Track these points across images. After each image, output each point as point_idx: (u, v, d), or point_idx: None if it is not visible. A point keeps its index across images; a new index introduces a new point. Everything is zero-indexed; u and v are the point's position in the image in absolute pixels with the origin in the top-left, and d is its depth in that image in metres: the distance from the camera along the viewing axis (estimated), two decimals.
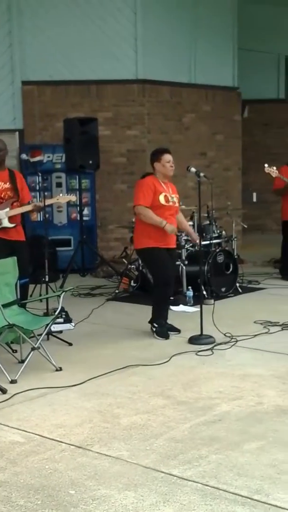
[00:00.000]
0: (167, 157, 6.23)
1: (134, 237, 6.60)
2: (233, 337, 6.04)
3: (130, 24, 10.22)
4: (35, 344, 5.21)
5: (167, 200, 6.15)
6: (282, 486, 3.30)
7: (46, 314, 6.16)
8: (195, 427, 4.10)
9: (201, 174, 6.25)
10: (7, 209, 6.22)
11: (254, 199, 13.22)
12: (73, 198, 6.87)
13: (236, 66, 11.61)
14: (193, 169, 6.35)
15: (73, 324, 6.55)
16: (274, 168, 8.50)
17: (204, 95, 11.13)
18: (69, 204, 9.35)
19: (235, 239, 8.49)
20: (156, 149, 6.50)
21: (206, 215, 8.17)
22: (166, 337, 6.13)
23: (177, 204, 6.33)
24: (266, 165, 8.47)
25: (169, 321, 6.43)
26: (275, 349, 5.71)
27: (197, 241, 6.75)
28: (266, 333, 6.25)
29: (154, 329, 6.22)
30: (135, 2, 10.15)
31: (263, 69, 13.76)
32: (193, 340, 5.98)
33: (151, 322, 6.28)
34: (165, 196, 6.16)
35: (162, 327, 6.21)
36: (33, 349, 5.20)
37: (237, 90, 11.66)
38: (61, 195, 6.96)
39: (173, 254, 6.44)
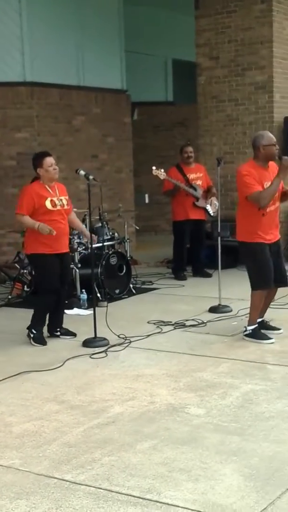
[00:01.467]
0: (49, 160, 6.13)
1: (24, 242, 6.52)
2: (127, 338, 6.08)
3: (15, 25, 10.06)
4: None
5: (54, 205, 6.10)
6: (173, 484, 3.36)
7: None
8: (88, 430, 4.10)
9: (90, 177, 6.24)
10: None
11: (147, 201, 13.36)
12: None
13: (124, 69, 11.69)
14: (82, 172, 6.33)
15: None
16: (162, 170, 8.63)
17: (93, 97, 11.13)
18: None
19: (128, 240, 8.55)
20: (36, 154, 6.36)
21: (98, 217, 8.19)
22: (43, 343, 6.09)
23: (66, 206, 6.28)
24: (153, 167, 8.60)
25: (64, 325, 6.40)
26: (168, 348, 5.80)
27: (94, 239, 6.76)
28: (159, 333, 6.33)
29: (31, 335, 6.16)
30: (19, 3, 10.00)
31: (151, 72, 13.93)
32: (87, 343, 5.98)
33: (29, 328, 6.21)
34: (51, 200, 6.10)
35: (39, 334, 6.16)
36: None
37: (126, 92, 11.74)
38: None
39: (65, 258, 6.38)
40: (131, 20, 12.11)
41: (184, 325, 6.54)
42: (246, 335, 5.94)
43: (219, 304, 7.06)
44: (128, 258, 8.27)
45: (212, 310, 7.03)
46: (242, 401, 4.46)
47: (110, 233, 8.30)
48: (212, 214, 9.02)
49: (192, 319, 6.70)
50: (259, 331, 5.93)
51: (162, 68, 14.30)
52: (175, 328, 6.46)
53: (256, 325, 5.94)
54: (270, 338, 5.85)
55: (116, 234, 8.42)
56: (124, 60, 11.68)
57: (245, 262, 6.13)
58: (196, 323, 6.59)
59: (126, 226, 8.58)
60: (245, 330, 5.98)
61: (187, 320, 6.67)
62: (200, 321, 6.62)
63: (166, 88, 14.44)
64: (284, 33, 9.80)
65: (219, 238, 7.24)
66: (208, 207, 9.03)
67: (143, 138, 13.69)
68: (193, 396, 4.61)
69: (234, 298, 7.32)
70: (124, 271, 8.12)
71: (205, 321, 6.61)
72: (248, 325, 5.97)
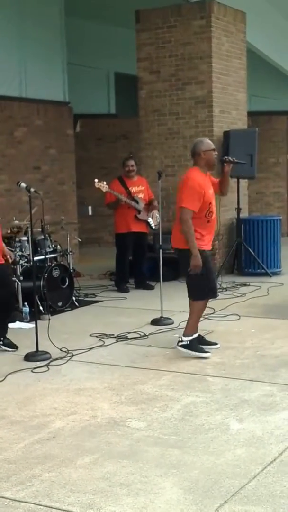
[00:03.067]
0: None
1: None
2: (69, 351, 6.08)
3: None
4: None
5: None
6: (113, 498, 3.38)
7: None
8: (29, 446, 4.08)
9: (32, 190, 6.23)
10: None
11: (90, 213, 13.39)
12: None
13: (67, 81, 11.71)
14: (23, 185, 6.32)
15: None
16: (104, 183, 8.68)
17: (35, 109, 11.11)
18: None
19: (71, 253, 8.55)
20: None
21: (40, 229, 8.16)
22: None
23: None
24: (96, 180, 8.64)
25: None
26: (110, 362, 5.82)
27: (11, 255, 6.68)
28: (101, 345, 6.35)
29: None
30: None
31: (94, 84, 13.99)
32: (29, 357, 5.95)
33: None
34: None
35: None
36: None
37: (69, 105, 11.77)
38: None
39: (3, 269, 6.32)
40: (73, 32, 12.18)
41: (126, 338, 6.57)
42: (182, 346, 5.83)
43: (161, 317, 7.12)
44: (71, 271, 8.26)
45: (154, 322, 7.09)
46: (183, 414, 4.52)
47: (53, 246, 8.28)
48: (153, 227, 9.10)
49: (134, 332, 6.74)
50: (196, 343, 5.86)
51: (104, 80, 14.39)
52: (117, 341, 6.48)
53: (194, 336, 5.87)
54: (207, 352, 5.80)
55: (58, 246, 8.40)
56: (67, 72, 11.72)
57: (187, 270, 5.83)
58: (138, 335, 6.63)
59: (68, 238, 8.58)
60: (180, 341, 5.88)
61: (129, 333, 6.70)
62: (142, 334, 6.67)
63: (109, 100, 14.53)
64: (222, 49, 9.99)
65: (160, 251, 7.31)
66: (150, 220, 9.11)
67: (86, 150, 13.72)
68: (134, 409, 4.64)
69: (175, 310, 7.40)
70: (66, 283, 8.11)
71: (147, 334, 6.65)
72: (185, 336, 5.85)
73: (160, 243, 7.33)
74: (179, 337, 5.97)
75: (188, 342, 5.85)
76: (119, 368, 5.62)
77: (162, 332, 6.77)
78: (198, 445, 4.00)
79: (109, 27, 13.54)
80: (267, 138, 14.59)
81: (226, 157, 6.21)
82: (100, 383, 5.24)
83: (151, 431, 4.25)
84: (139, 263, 9.37)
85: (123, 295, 8.88)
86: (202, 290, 5.87)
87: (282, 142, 15.36)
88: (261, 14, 11.84)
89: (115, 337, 6.59)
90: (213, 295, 5.98)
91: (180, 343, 5.88)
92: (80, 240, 10.51)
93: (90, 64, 13.54)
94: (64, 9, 11.52)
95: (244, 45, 10.57)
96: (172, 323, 7.02)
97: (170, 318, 7.12)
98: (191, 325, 5.90)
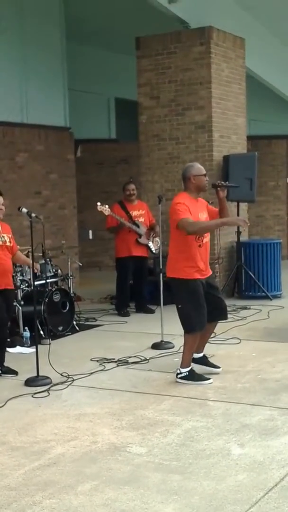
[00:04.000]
0: None
1: None
2: (70, 376, 6.06)
3: None
4: None
5: None
6: None
7: None
8: (29, 472, 4.06)
9: (33, 215, 6.26)
10: None
11: (90, 237, 13.44)
12: None
13: (68, 107, 11.82)
14: (24, 210, 6.35)
15: None
16: (107, 206, 8.74)
17: (37, 134, 11.21)
18: None
19: (72, 277, 8.57)
20: None
21: (41, 254, 8.19)
22: None
23: (8, 243, 6.31)
24: (98, 203, 8.69)
25: (6, 364, 6.34)
26: (110, 386, 5.81)
27: (36, 266, 6.83)
28: (101, 370, 6.34)
29: None
30: None
31: (95, 110, 14.14)
32: (29, 382, 5.93)
33: None
34: None
35: None
36: None
37: (69, 130, 11.86)
38: None
39: (8, 295, 6.36)
40: (75, 58, 12.33)
41: (127, 362, 6.57)
42: (182, 378, 5.80)
43: (162, 341, 7.12)
44: (72, 295, 8.27)
45: (155, 346, 7.08)
46: (184, 439, 4.50)
47: (54, 270, 8.31)
48: (154, 252, 9.13)
49: (135, 356, 6.73)
50: (195, 372, 5.84)
51: (105, 106, 14.53)
52: (118, 366, 6.48)
53: (191, 367, 5.83)
54: (207, 379, 5.78)
55: (59, 270, 8.43)
56: (68, 98, 11.83)
57: (179, 301, 5.81)
58: (138, 360, 6.63)
59: (69, 263, 8.61)
60: (179, 373, 5.85)
61: (130, 357, 6.70)
62: (142, 358, 6.66)
63: (109, 125, 14.66)
64: (222, 75, 10.11)
65: (160, 275, 7.33)
66: (150, 244, 9.14)
67: (86, 175, 13.81)
68: (135, 434, 4.63)
69: (176, 334, 7.36)
70: (67, 308, 8.11)
71: (147, 358, 6.65)
72: (182, 367, 5.82)
73: (161, 267, 7.35)
74: (177, 369, 5.92)
75: (187, 373, 5.83)
76: (120, 393, 5.61)
77: (162, 356, 6.76)
78: (199, 471, 3.98)
79: (110, 53, 13.71)
80: (267, 162, 14.70)
81: (218, 182, 6.19)
82: (101, 408, 5.23)
83: (152, 457, 4.23)
84: (139, 287, 9.38)
85: (123, 319, 8.88)
86: (193, 322, 5.74)
87: (282, 166, 15.47)
88: (259, 39, 11.99)
89: (115, 362, 6.58)
90: (200, 328, 5.78)
91: (180, 375, 5.85)
92: (80, 264, 10.54)
93: (91, 90, 13.69)
94: (65, 35, 11.67)
95: (243, 70, 10.69)
96: (173, 347, 7.01)
97: (170, 342, 7.12)
98: (185, 359, 5.86)
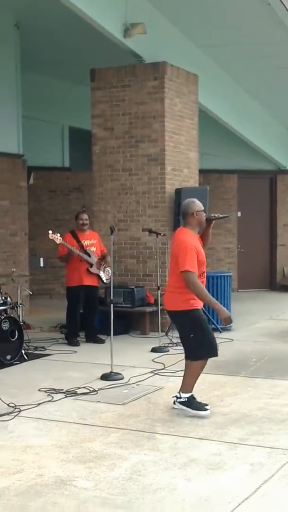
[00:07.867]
0: None
1: None
2: (17, 407, 5.98)
3: None
4: None
5: None
6: None
7: None
8: None
9: None
10: None
11: (41, 264, 13.37)
12: None
13: (21, 134, 11.82)
14: None
15: None
16: (58, 234, 8.73)
17: None
18: None
19: (21, 305, 8.50)
20: None
21: None
22: None
23: None
24: (50, 231, 8.68)
25: None
26: (58, 418, 5.75)
27: None
28: (49, 401, 6.27)
29: None
30: None
31: (49, 138, 14.17)
32: None
33: None
34: None
35: None
36: None
37: (23, 157, 11.85)
38: None
39: None
40: (29, 87, 12.36)
41: (75, 393, 6.51)
42: (181, 403, 5.82)
43: (111, 372, 7.10)
44: (21, 323, 8.20)
45: (104, 377, 7.06)
46: (131, 473, 4.48)
47: (3, 298, 8.22)
48: (105, 281, 9.15)
49: (84, 387, 6.69)
50: (195, 400, 5.84)
51: (59, 134, 14.59)
52: (66, 396, 6.42)
53: (192, 394, 5.84)
54: (206, 410, 5.76)
55: (8, 298, 8.35)
56: (21, 125, 11.83)
57: (186, 332, 5.88)
58: (87, 391, 6.59)
59: (19, 291, 8.54)
60: (179, 397, 5.86)
61: (78, 388, 6.65)
62: (91, 389, 6.62)
63: (63, 154, 14.71)
64: (175, 109, 10.27)
65: (111, 305, 7.34)
66: (101, 274, 9.16)
67: (39, 202, 13.80)
68: (82, 468, 4.59)
69: (126, 365, 7.38)
70: (16, 336, 8.02)
71: (96, 389, 6.61)
72: (183, 392, 5.85)
73: (112, 297, 7.36)
74: (178, 392, 5.91)
75: (186, 399, 5.83)
76: (68, 425, 5.56)
77: (112, 387, 6.73)
78: (145, 506, 3.97)
79: (65, 82, 13.80)
80: (218, 195, 14.96)
81: (213, 215, 6.25)
82: (48, 440, 5.17)
83: (98, 491, 4.20)
84: (90, 316, 9.37)
85: (73, 348, 8.83)
86: (204, 350, 5.82)
87: (233, 200, 15.75)
88: (212, 76, 12.24)
89: (64, 392, 6.52)
90: (213, 354, 5.86)
91: (179, 400, 5.86)
92: (31, 292, 10.47)
93: (45, 118, 13.74)
94: (20, 63, 11.70)
95: (196, 106, 10.89)
96: (122, 378, 7.00)
97: (120, 373, 7.10)
98: (188, 384, 5.88)
